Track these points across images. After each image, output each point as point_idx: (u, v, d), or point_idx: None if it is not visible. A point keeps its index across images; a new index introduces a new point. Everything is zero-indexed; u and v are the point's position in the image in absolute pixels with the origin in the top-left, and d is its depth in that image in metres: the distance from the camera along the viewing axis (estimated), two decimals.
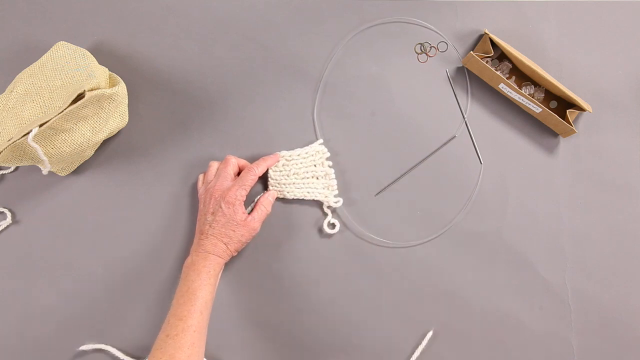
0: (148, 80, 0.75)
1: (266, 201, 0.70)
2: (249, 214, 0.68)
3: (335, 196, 0.73)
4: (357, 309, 0.73)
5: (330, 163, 0.74)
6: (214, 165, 0.71)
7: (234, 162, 0.70)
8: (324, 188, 0.73)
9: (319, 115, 0.76)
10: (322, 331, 0.72)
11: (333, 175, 0.73)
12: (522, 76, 0.77)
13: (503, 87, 0.74)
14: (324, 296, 0.73)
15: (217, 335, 0.70)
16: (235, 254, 0.68)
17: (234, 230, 0.65)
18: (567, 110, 0.73)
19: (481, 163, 0.76)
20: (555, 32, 0.77)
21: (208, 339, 0.64)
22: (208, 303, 0.63)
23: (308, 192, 0.73)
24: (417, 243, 0.74)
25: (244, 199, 0.67)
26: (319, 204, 0.74)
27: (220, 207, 0.65)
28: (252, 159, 0.73)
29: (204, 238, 0.65)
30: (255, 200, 0.72)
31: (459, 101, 0.76)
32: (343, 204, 0.74)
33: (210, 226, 0.65)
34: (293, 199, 0.73)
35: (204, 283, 0.63)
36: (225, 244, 0.65)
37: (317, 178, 0.74)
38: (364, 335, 0.73)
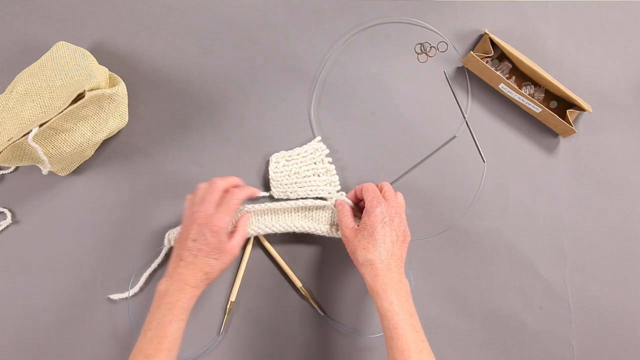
0: (148, 80, 0.75)
1: (244, 225, 0.68)
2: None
3: (338, 192, 0.73)
4: (357, 309, 0.73)
5: (330, 159, 0.74)
6: (202, 187, 0.67)
7: (219, 187, 0.65)
8: (326, 185, 0.73)
9: (317, 113, 0.76)
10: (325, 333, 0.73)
11: (334, 172, 0.73)
12: (522, 76, 0.77)
13: (503, 87, 0.74)
14: (325, 296, 0.73)
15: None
16: (211, 282, 0.64)
17: (216, 259, 0.62)
18: (567, 110, 0.73)
19: (484, 162, 0.76)
20: (555, 32, 0.77)
21: None
22: (177, 340, 0.59)
23: (311, 191, 0.73)
24: (417, 242, 0.75)
25: (229, 225, 0.64)
26: None
27: (204, 235, 0.61)
28: (252, 159, 0.74)
29: (184, 266, 0.61)
30: (234, 223, 0.68)
31: (459, 101, 0.76)
32: None
33: (190, 253, 0.61)
34: (297, 198, 0.73)
35: (175, 319, 0.59)
36: (206, 274, 0.62)
37: (319, 175, 0.74)
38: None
